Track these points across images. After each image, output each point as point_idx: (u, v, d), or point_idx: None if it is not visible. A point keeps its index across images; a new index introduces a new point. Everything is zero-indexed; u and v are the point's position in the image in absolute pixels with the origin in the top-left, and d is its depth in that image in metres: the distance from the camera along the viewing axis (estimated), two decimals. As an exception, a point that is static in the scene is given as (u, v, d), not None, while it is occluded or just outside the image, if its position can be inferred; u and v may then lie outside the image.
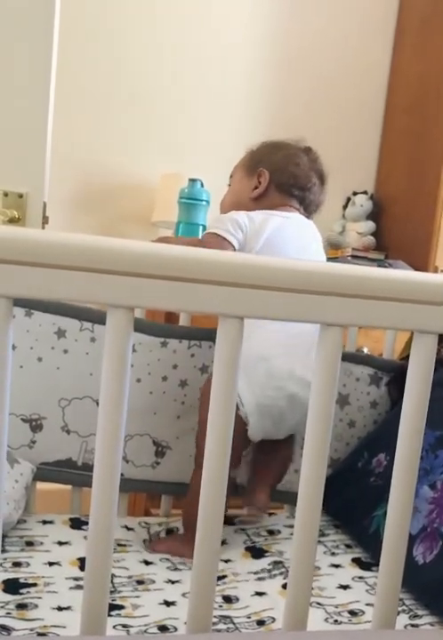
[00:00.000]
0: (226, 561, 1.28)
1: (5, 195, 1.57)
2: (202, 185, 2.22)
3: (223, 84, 2.67)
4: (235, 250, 1.33)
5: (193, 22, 2.61)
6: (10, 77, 1.57)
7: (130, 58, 2.54)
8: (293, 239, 1.40)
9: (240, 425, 1.30)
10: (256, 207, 1.41)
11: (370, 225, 2.77)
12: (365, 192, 2.80)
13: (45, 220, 1.69)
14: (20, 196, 1.59)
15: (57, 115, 1.78)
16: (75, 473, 1.42)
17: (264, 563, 1.28)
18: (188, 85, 2.62)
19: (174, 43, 2.59)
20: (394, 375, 1.60)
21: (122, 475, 1.42)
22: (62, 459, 1.42)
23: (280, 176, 1.44)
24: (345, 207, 2.81)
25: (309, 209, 1.48)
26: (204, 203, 2.20)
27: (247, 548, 1.34)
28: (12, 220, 1.57)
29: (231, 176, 1.54)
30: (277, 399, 1.31)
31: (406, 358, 1.60)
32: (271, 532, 1.42)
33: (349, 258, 2.58)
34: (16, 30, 1.56)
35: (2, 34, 1.56)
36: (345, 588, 1.21)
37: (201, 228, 2.19)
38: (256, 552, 1.33)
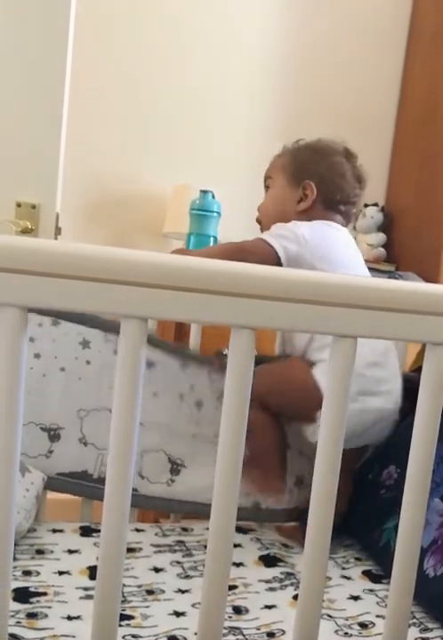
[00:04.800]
0: (238, 565, 1.28)
1: (19, 205, 1.58)
2: (213, 196, 2.22)
3: (234, 96, 2.68)
4: (279, 258, 1.28)
5: (205, 37, 2.62)
6: (24, 88, 1.59)
7: (142, 71, 2.56)
8: (353, 251, 1.42)
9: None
10: (300, 219, 1.39)
11: (381, 237, 2.77)
12: (375, 204, 2.79)
13: (58, 230, 1.70)
14: (33, 206, 1.60)
15: (70, 126, 1.79)
16: (89, 485, 1.42)
17: (276, 571, 1.28)
18: (199, 98, 2.64)
19: (187, 56, 2.60)
20: (404, 387, 1.59)
21: (136, 490, 1.44)
22: (78, 470, 1.42)
23: (326, 190, 1.42)
24: (356, 219, 2.81)
25: (350, 219, 1.48)
26: (215, 214, 2.20)
27: (260, 557, 1.34)
28: (25, 231, 1.58)
29: (269, 177, 1.50)
30: (365, 412, 1.31)
31: (416, 370, 1.60)
32: (285, 545, 1.42)
33: (359, 269, 2.58)
34: (31, 41, 1.58)
35: (16, 45, 1.57)
36: (356, 598, 1.20)
37: (212, 239, 2.19)
38: (269, 560, 1.33)
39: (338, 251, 1.37)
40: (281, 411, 1.39)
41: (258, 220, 1.49)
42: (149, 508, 1.52)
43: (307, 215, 1.41)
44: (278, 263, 1.29)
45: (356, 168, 1.46)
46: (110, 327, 1.41)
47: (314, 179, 1.42)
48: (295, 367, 1.35)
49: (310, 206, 1.42)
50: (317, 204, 1.42)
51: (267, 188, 1.50)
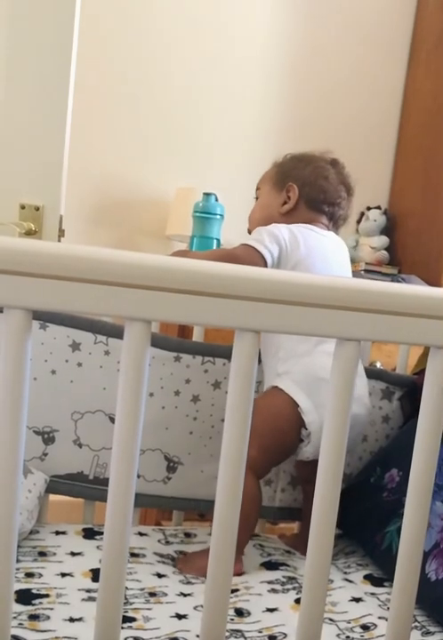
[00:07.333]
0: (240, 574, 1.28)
1: (22, 207, 1.59)
2: (216, 199, 2.22)
3: (238, 99, 2.69)
4: (266, 263, 1.30)
5: (209, 40, 2.63)
6: (28, 91, 1.59)
7: (145, 74, 2.56)
8: (333, 256, 1.40)
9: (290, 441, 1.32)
10: (286, 222, 1.39)
11: (384, 240, 2.77)
12: (378, 207, 2.80)
13: (62, 232, 1.70)
14: (37, 208, 1.60)
15: (74, 128, 1.80)
16: (86, 486, 1.43)
17: (279, 574, 1.28)
18: (203, 100, 2.64)
19: (191, 59, 2.61)
20: (407, 390, 1.60)
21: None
22: (73, 472, 1.42)
23: (310, 191, 1.43)
24: (359, 222, 2.81)
25: (337, 224, 1.47)
26: (218, 217, 2.19)
27: (262, 564, 1.34)
28: (28, 233, 1.59)
29: (258, 188, 1.52)
30: None
31: (419, 373, 1.60)
32: (288, 552, 1.42)
33: (362, 272, 2.59)
34: (34, 43, 1.58)
35: (20, 47, 1.57)
36: (358, 600, 1.20)
37: (215, 241, 2.18)
38: (271, 565, 1.33)
39: (316, 254, 1.37)
40: (277, 447, 1.34)
41: (248, 230, 1.49)
42: (145, 506, 1.53)
43: (291, 217, 1.43)
44: (266, 266, 1.31)
45: (341, 174, 1.47)
46: (99, 329, 1.40)
47: (297, 181, 1.43)
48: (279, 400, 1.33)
49: (293, 207, 1.43)
50: (300, 205, 1.44)
51: (256, 199, 1.53)
